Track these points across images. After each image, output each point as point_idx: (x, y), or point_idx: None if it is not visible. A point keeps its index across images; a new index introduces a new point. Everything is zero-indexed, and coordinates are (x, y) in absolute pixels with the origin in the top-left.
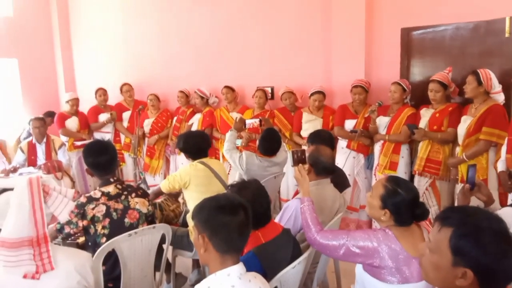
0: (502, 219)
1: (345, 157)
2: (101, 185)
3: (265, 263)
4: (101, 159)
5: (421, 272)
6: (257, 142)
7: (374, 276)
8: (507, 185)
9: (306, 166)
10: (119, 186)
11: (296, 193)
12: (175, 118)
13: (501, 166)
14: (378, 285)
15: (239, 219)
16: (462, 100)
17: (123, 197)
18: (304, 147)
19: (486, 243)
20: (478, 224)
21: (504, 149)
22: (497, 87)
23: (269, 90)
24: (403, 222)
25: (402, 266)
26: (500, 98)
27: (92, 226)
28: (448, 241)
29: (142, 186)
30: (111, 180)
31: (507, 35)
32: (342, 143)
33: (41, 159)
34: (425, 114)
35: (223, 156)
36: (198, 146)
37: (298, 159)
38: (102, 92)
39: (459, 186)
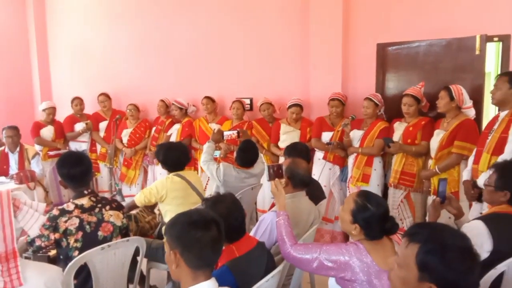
0: (467, 237)
1: (321, 169)
2: (74, 197)
3: (239, 277)
4: (76, 170)
5: (391, 286)
6: (235, 153)
7: None
8: (470, 194)
9: (283, 180)
10: (93, 199)
11: (273, 205)
12: (154, 128)
13: (466, 175)
14: None
15: (211, 234)
16: (434, 114)
17: (97, 209)
18: (281, 158)
19: (450, 260)
20: (443, 241)
21: (471, 159)
22: (468, 102)
23: (247, 101)
24: (373, 236)
25: (373, 280)
26: (471, 113)
27: (64, 239)
28: (414, 257)
29: (117, 197)
30: (85, 192)
31: (477, 52)
32: (319, 155)
33: (13, 168)
34: (399, 128)
35: (201, 167)
36: (177, 159)
37: (275, 174)
38: (78, 102)
39: (431, 198)
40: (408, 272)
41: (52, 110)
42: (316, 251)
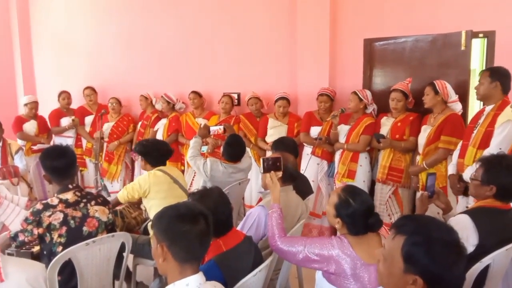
0: (454, 230)
1: (308, 163)
2: (59, 191)
3: (226, 272)
4: (59, 163)
5: (377, 278)
6: (221, 148)
7: (331, 282)
8: (456, 188)
9: (280, 173)
10: (78, 193)
11: (260, 200)
12: (139, 123)
13: (451, 169)
14: None
15: (199, 227)
16: (422, 110)
17: (82, 204)
18: (268, 153)
19: (436, 252)
20: (429, 234)
21: (456, 153)
22: (453, 96)
23: (235, 96)
24: (356, 231)
25: (357, 273)
26: (458, 107)
27: (47, 234)
28: (400, 249)
29: (103, 193)
30: (70, 186)
31: (462, 48)
32: (307, 150)
33: None
34: (386, 123)
35: (188, 162)
36: (160, 156)
37: (270, 166)
38: (66, 95)
39: (419, 194)
40: (393, 264)
41: (34, 105)
42: (302, 244)
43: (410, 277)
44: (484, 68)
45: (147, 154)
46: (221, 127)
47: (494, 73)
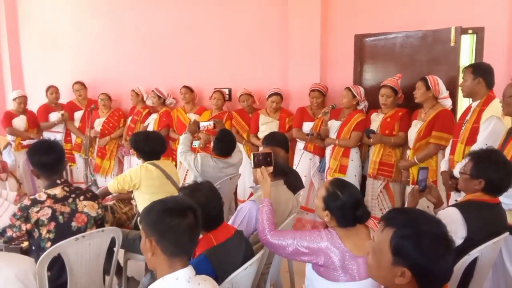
0: (442, 223)
1: (300, 158)
2: (47, 187)
3: (217, 266)
4: (47, 158)
5: (367, 270)
6: (212, 143)
7: (321, 275)
8: (448, 184)
9: (271, 168)
10: (67, 189)
11: (251, 195)
12: (129, 118)
13: (443, 166)
14: (325, 284)
15: (188, 221)
16: (412, 105)
17: (70, 200)
18: (261, 149)
19: (424, 245)
20: (418, 227)
21: (448, 150)
22: (444, 92)
23: (226, 91)
24: (344, 224)
25: (346, 265)
26: (448, 103)
27: (36, 230)
28: (389, 241)
29: (93, 188)
30: (58, 181)
31: (452, 44)
32: (300, 145)
33: None
34: (376, 119)
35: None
36: (153, 149)
37: (259, 162)
38: (53, 90)
39: (409, 188)
40: (382, 256)
41: (23, 99)
42: (291, 237)
43: (399, 269)
44: None
45: (139, 149)
46: (211, 122)
47: (476, 69)
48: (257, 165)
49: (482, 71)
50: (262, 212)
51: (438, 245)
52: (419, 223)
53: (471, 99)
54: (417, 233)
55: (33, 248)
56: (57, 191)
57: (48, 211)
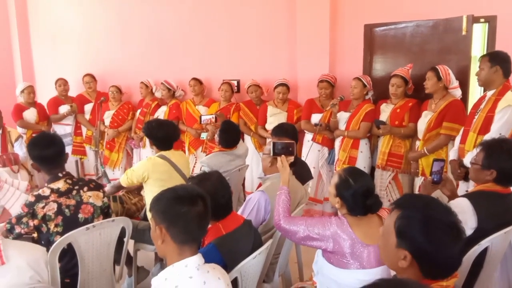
0: (454, 213)
1: (309, 149)
2: (49, 181)
3: (226, 255)
4: (48, 152)
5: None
6: (216, 137)
7: (330, 262)
8: (457, 173)
9: (291, 158)
10: (69, 181)
11: (259, 185)
12: (138, 111)
13: (452, 155)
14: (334, 270)
15: (197, 209)
16: (421, 96)
17: (74, 192)
18: (268, 140)
19: (427, 229)
20: (424, 211)
21: (458, 139)
22: (454, 82)
23: (235, 83)
24: (355, 212)
25: (355, 252)
26: (458, 93)
27: (44, 225)
28: (394, 222)
29: (103, 179)
30: (60, 175)
31: (463, 33)
32: (308, 136)
33: None
34: (385, 110)
35: (189, 149)
36: (167, 134)
37: (279, 151)
38: (62, 82)
39: (419, 179)
40: (388, 238)
41: (31, 89)
42: (303, 224)
43: (402, 252)
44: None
45: (152, 136)
46: (213, 116)
47: (493, 57)
48: (276, 153)
49: (499, 59)
50: (279, 199)
51: (443, 232)
52: (426, 207)
53: (482, 89)
54: (421, 216)
55: (42, 242)
56: (60, 184)
57: (54, 206)
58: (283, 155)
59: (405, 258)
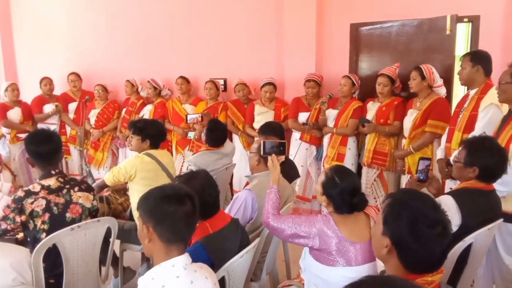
0: (441, 210)
1: (298, 149)
2: (41, 177)
3: (213, 254)
4: (44, 148)
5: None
6: (203, 136)
7: (317, 259)
8: (444, 172)
9: (282, 157)
10: (61, 179)
11: (247, 184)
12: (124, 110)
13: (440, 154)
14: (321, 268)
15: (185, 208)
16: (406, 94)
17: (64, 190)
18: (256, 139)
19: (406, 217)
20: (409, 201)
21: (444, 138)
22: (438, 81)
23: (221, 82)
24: (341, 210)
25: (341, 250)
26: (442, 91)
27: (31, 221)
28: (382, 210)
29: (88, 179)
30: (53, 172)
31: (448, 32)
32: (296, 135)
33: None
34: (372, 108)
35: (176, 148)
36: (160, 131)
37: (269, 150)
38: (47, 81)
39: (405, 177)
40: (377, 226)
41: (14, 86)
42: (291, 221)
43: (386, 240)
44: None
45: (147, 133)
46: (199, 115)
47: (475, 57)
48: (266, 152)
49: (480, 58)
50: (269, 197)
51: (427, 226)
52: (412, 198)
53: (466, 88)
54: (404, 204)
55: (29, 239)
56: (52, 182)
57: (43, 202)
58: (273, 154)
59: (387, 246)
